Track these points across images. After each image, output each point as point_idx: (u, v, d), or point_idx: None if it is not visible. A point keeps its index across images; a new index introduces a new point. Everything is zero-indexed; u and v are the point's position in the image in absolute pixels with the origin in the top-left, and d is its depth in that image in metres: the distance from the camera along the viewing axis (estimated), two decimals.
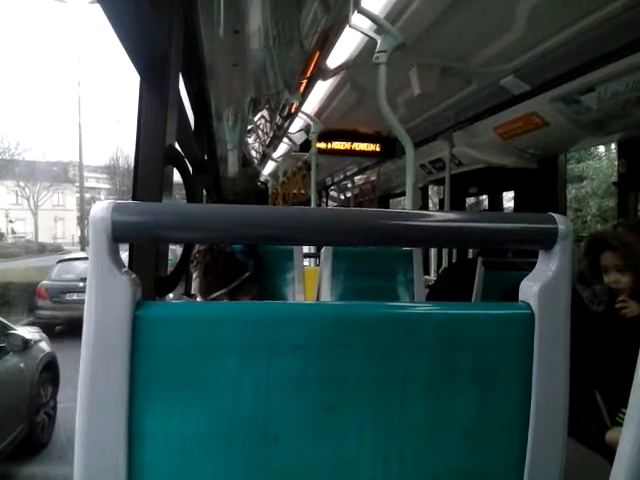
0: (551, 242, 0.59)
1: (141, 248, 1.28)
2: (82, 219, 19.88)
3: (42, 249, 21.48)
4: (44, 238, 26.08)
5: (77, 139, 20.09)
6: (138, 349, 0.55)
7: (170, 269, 1.60)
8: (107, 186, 32.72)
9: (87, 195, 30.38)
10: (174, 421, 0.56)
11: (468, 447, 0.60)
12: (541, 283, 0.59)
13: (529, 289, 0.60)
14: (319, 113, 4.21)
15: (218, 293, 1.44)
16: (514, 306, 0.61)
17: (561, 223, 0.59)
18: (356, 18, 2.37)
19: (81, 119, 19.85)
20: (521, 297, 0.61)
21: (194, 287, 1.62)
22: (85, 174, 31.57)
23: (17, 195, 27.34)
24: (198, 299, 1.47)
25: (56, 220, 30.51)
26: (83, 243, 18.70)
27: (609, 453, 0.66)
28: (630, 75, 2.33)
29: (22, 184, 26.60)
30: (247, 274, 1.48)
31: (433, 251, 5.27)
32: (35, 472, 3.85)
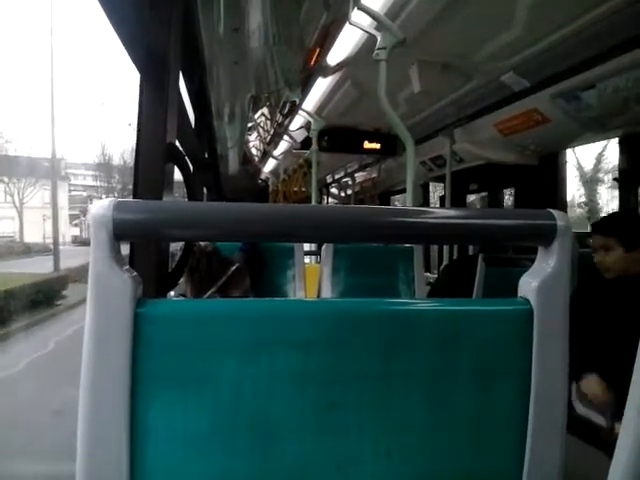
0: (550, 238, 0.59)
1: (142, 246, 1.28)
2: (55, 217, 17.39)
3: (27, 250, 19.52)
4: (34, 238, 24.14)
5: (51, 128, 17.88)
6: (139, 346, 0.55)
7: None
8: (98, 184, 31.73)
9: (84, 193, 29.83)
10: (176, 418, 0.56)
11: (468, 443, 0.60)
12: (540, 279, 0.59)
13: (528, 285, 0.60)
14: (320, 110, 4.20)
15: (208, 293, 1.45)
16: (513, 302, 0.62)
17: (560, 219, 0.59)
18: (356, 15, 2.37)
19: (54, 103, 17.65)
20: (520, 293, 0.62)
21: (186, 290, 1.63)
22: (83, 172, 30.98)
23: (5, 193, 25.69)
24: None
25: (45, 219, 27.85)
26: (56, 245, 16.21)
27: (608, 449, 0.66)
28: (630, 71, 2.33)
29: (6, 179, 24.96)
30: (233, 268, 1.49)
31: (435, 248, 5.26)
32: (37, 471, 3.83)
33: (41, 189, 26.84)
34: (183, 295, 1.73)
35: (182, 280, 1.69)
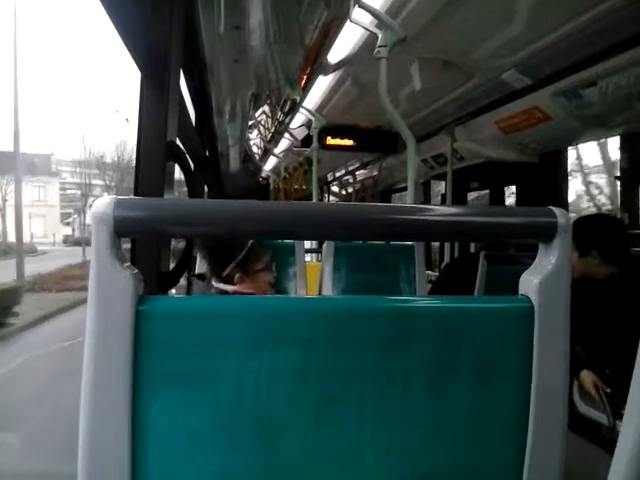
0: (550, 235, 0.59)
1: (143, 243, 1.28)
2: (19, 215, 14.87)
3: (8, 250, 17.65)
4: (24, 238, 22.82)
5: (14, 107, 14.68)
6: (141, 344, 0.55)
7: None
8: (87, 181, 30.76)
9: (79, 192, 29.25)
10: (177, 415, 0.57)
11: (468, 439, 0.61)
12: (541, 276, 0.59)
13: (529, 282, 0.60)
14: (320, 108, 4.20)
15: (230, 268, 1.46)
16: (514, 299, 0.62)
17: (560, 217, 0.59)
18: (357, 13, 2.36)
19: (18, 89, 14.92)
20: (521, 290, 0.62)
21: (205, 271, 1.63)
22: (78, 170, 30.43)
23: None
24: (213, 281, 1.48)
25: (31, 217, 25.32)
26: (20, 243, 13.97)
27: (609, 446, 0.67)
28: (632, 69, 2.33)
29: None
30: (249, 243, 1.50)
31: (436, 245, 5.27)
32: (38, 471, 3.82)
33: (28, 185, 25.15)
34: (202, 275, 1.71)
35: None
